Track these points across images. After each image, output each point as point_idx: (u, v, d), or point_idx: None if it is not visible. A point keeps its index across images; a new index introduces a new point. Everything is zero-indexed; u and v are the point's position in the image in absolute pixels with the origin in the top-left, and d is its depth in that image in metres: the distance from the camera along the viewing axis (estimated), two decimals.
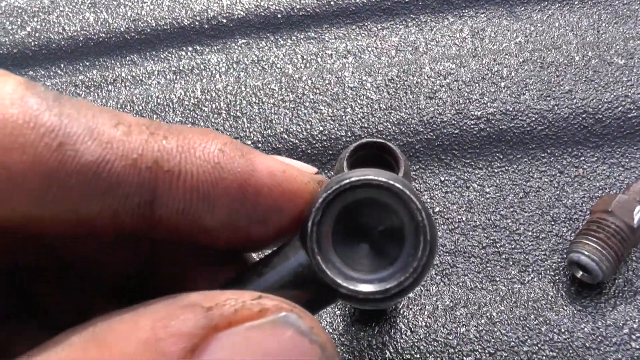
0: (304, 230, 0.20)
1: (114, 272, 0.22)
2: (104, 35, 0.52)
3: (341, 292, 0.19)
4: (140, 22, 0.52)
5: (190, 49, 0.50)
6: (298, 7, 0.50)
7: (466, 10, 0.48)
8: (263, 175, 0.20)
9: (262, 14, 0.50)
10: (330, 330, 0.34)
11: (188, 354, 0.15)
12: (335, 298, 0.19)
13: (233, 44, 0.50)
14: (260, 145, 0.42)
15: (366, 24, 0.48)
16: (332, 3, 0.50)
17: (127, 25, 0.52)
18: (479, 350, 0.33)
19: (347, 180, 0.19)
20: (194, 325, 0.15)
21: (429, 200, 0.39)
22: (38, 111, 0.17)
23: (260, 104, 0.43)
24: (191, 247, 0.21)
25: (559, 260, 0.37)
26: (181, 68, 0.49)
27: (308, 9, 0.50)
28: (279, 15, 0.50)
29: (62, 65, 0.51)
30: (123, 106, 0.46)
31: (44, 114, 0.17)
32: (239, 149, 0.19)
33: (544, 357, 0.33)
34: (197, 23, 0.51)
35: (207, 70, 0.48)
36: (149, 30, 0.52)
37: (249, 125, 0.43)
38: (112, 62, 0.51)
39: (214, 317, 0.16)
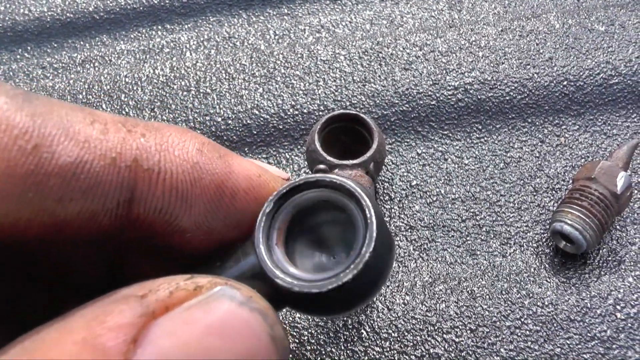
0: (255, 222, 0.19)
1: (82, 272, 0.21)
2: (71, 15, 0.50)
3: (278, 284, 0.18)
4: (109, 1, 0.50)
5: (160, 27, 0.48)
6: None
7: None
8: (240, 178, 0.20)
9: None
10: None
11: (129, 345, 0.14)
12: (278, 296, 0.18)
13: (204, 22, 0.48)
14: (230, 121, 0.40)
15: None
16: None
17: (95, 5, 0.50)
18: (460, 327, 0.32)
19: (303, 177, 0.20)
20: (131, 315, 0.15)
21: (406, 174, 0.37)
22: (9, 112, 0.15)
23: (231, 80, 0.42)
24: (159, 251, 0.20)
25: (542, 231, 0.36)
26: (151, 47, 0.47)
27: None
28: None
29: (28, 48, 0.49)
30: (91, 86, 0.44)
31: (15, 114, 0.16)
32: (217, 150, 0.19)
33: (528, 331, 0.32)
34: (167, 1, 0.49)
35: (177, 48, 0.46)
36: (118, 9, 0.50)
37: (218, 101, 0.41)
38: (81, 43, 0.49)
39: (149, 304, 0.15)
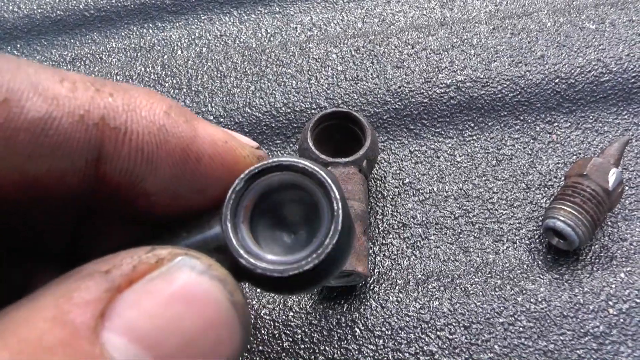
0: (223, 199, 0.20)
1: (48, 239, 0.21)
2: (62, 13, 0.50)
3: (241, 264, 0.19)
4: None
5: (151, 25, 0.48)
6: None
7: None
8: (205, 143, 0.20)
9: None
10: (298, 309, 0.33)
11: (97, 319, 0.15)
12: (240, 272, 0.19)
13: (196, 20, 0.48)
14: (222, 119, 0.40)
15: None
16: None
17: (86, 3, 0.50)
18: (453, 324, 0.32)
19: (276, 159, 0.20)
20: (97, 290, 0.15)
21: (398, 172, 0.37)
22: None
23: (222, 78, 0.41)
24: (126, 216, 0.21)
25: (534, 228, 0.36)
26: (142, 45, 0.47)
27: None
28: None
29: (18, 46, 0.48)
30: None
31: None
32: (184, 114, 0.19)
33: (521, 328, 0.32)
34: None
35: (169, 46, 0.46)
36: (108, 7, 0.49)
37: (210, 99, 0.40)
38: (72, 41, 0.48)
39: (114, 279, 0.16)
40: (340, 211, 0.19)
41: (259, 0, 0.48)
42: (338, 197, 0.19)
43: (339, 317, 0.32)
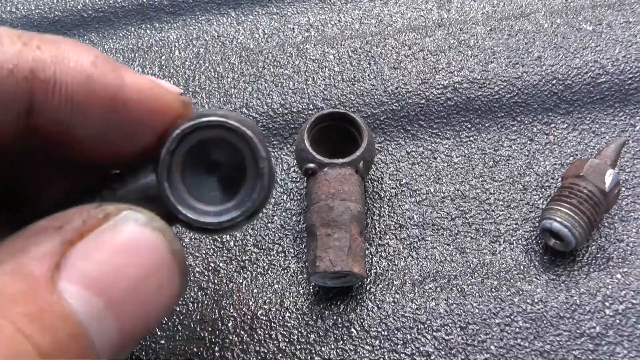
0: (157, 156, 0.21)
1: None
2: (59, 14, 0.50)
3: (180, 218, 0.21)
4: (97, 0, 0.50)
5: (149, 26, 0.48)
6: None
7: None
8: (132, 90, 0.20)
9: None
10: (294, 310, 0.33)
11: (53, 270, 0.16)
12: (176, 221, 0.21)
13: (193, 21, 0.48)
14: None
15: None
16: None
17: (84, 3, 0.50)
18: (450, 325, 0.32)
19: (206, 119, 0.21)
20: (51, 244, 0.17)
21: (395, 173, 0.37)
22: None
23: (220, 78, 0.41)
24: (60, 165, 0.22)
25: (531, 229, 0.36)
26: (140, 46, 0.47)
27: None
28: None
29: None
30: None
31: None
32: (110, 64, 0.20)
33: (517, 329, 0.32)
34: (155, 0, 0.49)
35: (167, 47, 0.46)
36: (106, 7, 0.49)
37: (207, 100, 0.41)
38: None
39: (67, 233, 0.17)
40: (266, 169, 0.22)
41: (256, 1, 0.48)
42: (264, 156, 0.22)
43: (335, 317, 0.32)
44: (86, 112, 0.20)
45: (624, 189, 0.38)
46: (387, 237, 0.35)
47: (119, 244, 0.18)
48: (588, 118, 0.40)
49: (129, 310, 0.18)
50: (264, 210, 0.36)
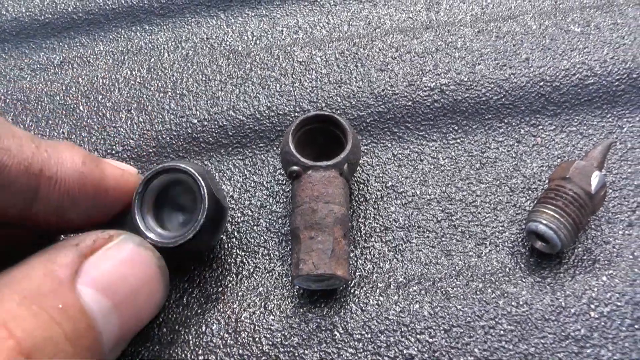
0: (133, 200, 0.30)
1: None
2: (50, 16, 0.50)
3: (147, 241, 0.28)
4: (88, 2, 0.50)
5: (139, 28, 0.48)
6: None
7: None
8: (110, 180, 0.28)
9: None
10: (278, 313, 0.33)
11: (74, 275, 0.22)
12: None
13: (183, 23, 0.48)
14: (206, 123, 0.40)
15: (318, 0, 0.47)
16: None
17: (74, 5, 0.50)
18: (433, 327, 0.32)
19: (161, 165, 0.30)
20: (71, 256, 0.23)
21: (381, 175, 0.37)
22: None
23: (207, 81, 0.41)
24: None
25: (517, 231, 0.36)
26: (129, 48, 0.47)
27: None
28: None
29: (6, 49, 0.49)
30: (68, 88, 0.43)
31: None
32: (94, 161, 0.27)
33: (502, 331, 0.32)
34: (146, 2, 0.49)
35: (156, 49, 0.46)
36: (97, 10, 0.49)
37: (195, 102, 0.40)
38: (60, 44, 0.48)
39: (82, 249, 0.24)
40: (206, 196, 0.29)
41: (246, 3, 0.48)
42: (205, 190, 0.29)
43: (319, 320, 0.32)
44: (77, 200, 0.26)
45: (610, 190, 0.38)
46: (373, 239, 0.35)
47: (122, 258, 0.24)
48: (575, 120, 0.40)
49: (129, 311, 0.24)
50: (249, 216, 0.36)
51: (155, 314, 0.27)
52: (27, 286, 0.21)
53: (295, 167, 0.33)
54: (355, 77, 0.40)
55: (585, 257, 0.35)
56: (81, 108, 0.42)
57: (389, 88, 0.39)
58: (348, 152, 0.33)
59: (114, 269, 0.24)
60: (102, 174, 0.27)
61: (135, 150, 0.39)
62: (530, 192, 0.37)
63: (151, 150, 0.39)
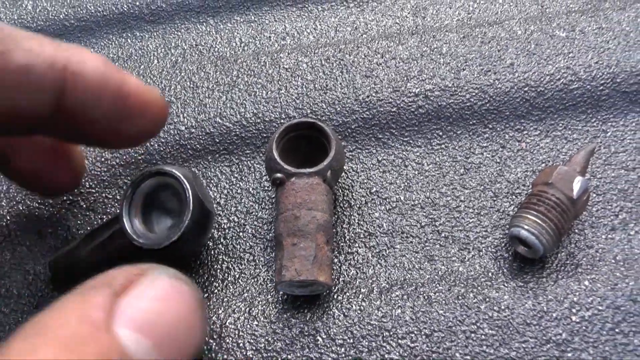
0: (121, 204, 0.31)
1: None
2: (42, 23, 0.50)
3: (135, 245, 0.30)
4: (80, 9, 0.50)
5: (130, 35, 0.49)
6: None
7: None
8: (132, 85, 0.28)
9: None
10: (262, 318, 0.33)
11: (108, 316, 0.21)
12: (136, 250, 0.31)
13: (173, 29, 0.48)
14: (194, 130, 0.40)
15: (307, 5, 0.47)
16: None
17: (66, 12, 0.50)
18: (415, 332, 0.32)
19: (148, 169, 0.32)
20: (104, 296, 0.22)
21: (366, 181, 0.38)
22: None
23: (195, 88, 0.42)
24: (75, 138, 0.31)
25: (501, 236, 0.36)
26: (120, 55, 0.47)
27: None
28: None
29: None
30: None
31: None
32: (114, 67, 0.28)
33: (483, 336, 0.32)
34: (136, 8, 0.50)
35: (146, 56, 0.47)
36: (88, 17, 0.50)
37: (182, 110, 0.41)
38: None
39: (115, 288, 0.22)
40: (190, 198, 0.30)
41: (235, 9, 0.48)
42: (190, 192, 0.30)
43: (302, 325, 0.33)
44: (100, 98, 0.27)
45: (594, 195, 0.38)
46: (357, 245, 0.36)
47: (157, 294, 0.23)
48: (560, 124, 0.40)
49: (169, 348, 0.23)
50: (234, 222, 0.37)
51: (199, 347, 0.25)
52: (63, 333, 0.20)
53: (278, 175, 0.33)
54: (340, 84, 0.40)
55: (568, 262, 0.36)
56: None
57: (373, 94, 0.40)
58: (331, 159, 0.34)
59: (150, 306, 0.23)
60: (122, 78, 0.28)
61: (124, 157, 0.40)
62: (514, 197, 0.38)
63: (140, 158, 0.40)
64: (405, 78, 0.40)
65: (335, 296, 0.34)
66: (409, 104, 0.40)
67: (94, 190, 0.39)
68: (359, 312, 0.33)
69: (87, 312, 0.21)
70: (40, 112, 0.25)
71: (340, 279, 0.35)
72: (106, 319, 0.21)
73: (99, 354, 0.20)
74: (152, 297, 0.23)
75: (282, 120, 0.40)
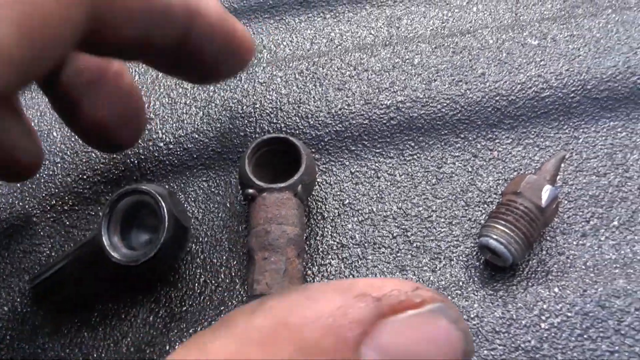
0: (101, 221, 0.33)
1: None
2: None
3: (112, 260, 0.32)
4: None
5: None
6: None
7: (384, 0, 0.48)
8: (240, 30, 0.32)
9: None
10: None
11: (361, 336, 0.18)
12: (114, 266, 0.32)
13: None
14: (172, 146, 0.41)
15: (284, 17, 0.48)
16: None
17: None
18: None
19: (124, 188, 0.33)
20: (367, 313, 0.19)
21: (339, 193, 0.38)
22: None
23: (173, 104, 0.43)
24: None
25: (472, 245, 0.37)
26: None
27: (226, 5, 0.49)
28: None
29: None
30: (43, 114, 0.45)
31: None
32: (229, 13, 0.31)
33: None
34: None
35: (128, 71, 0.47)
36: None
37: (161, 126, 0.42)
38: None
39: (382, 307, 0.19)
40: (166, 216, 0.32)
41: None
42: (165, 210, 0.32)
43: None
44: (216, 37, 0.30)
45: (566, 201, 0.38)
46: (329, 257, 0.36)
47: (426, 334, 0.20)
48: (532, 132, 0.41)
49: None
50: (212, 238, 0.38)
51: None
52: (307, 338, 0.18)
53: (250, 190, 0.34)
54: (313, 97, 0.41)
55: (539, 269, 0.36)
56: (54, 134, 0.43)
57: (346, 107, 0.41)
58: (301, 173, 0.35)
59: (412, 342, 0.19)
60: (234, 24, 0.31)
61: (105, 174, 0.41)
62: (485, 205, 0.38)
63: (120, 175, 0.41)
64: (377, 90, 0.41)
65: None
66: (381, 116, 0.40)
67: (77, 208, 0.40)
68: None
69: (342, 324, 0.18)
70: (168, 43, 0.28)
71: None
72: (358, 337, 0.18)
73: None
74: (419, 334, 0.19)
75: (256, 135, 0.40)
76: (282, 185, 0.34)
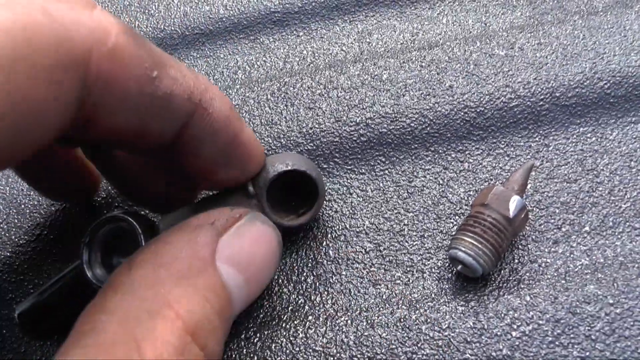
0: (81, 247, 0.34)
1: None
2: None
3: (94, 287, 0.32)
4: None
5: None
6: (192, 26, 0.50)
7: (356, 15, 0.48)
8: (246, 136, 0.31)
9: (159, 35, 0.51)
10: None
11: (213, 252, 0.25)
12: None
13: None
14: None
15: (259, 37, 0.49)
16: (224, 19, 0.50)
17: None
18: (358, 356, 0.34)
19: (105, 216, 0.34)
20: (210, 235, 0.26)
21: None
22: (136, 51, 0.23)
23: None
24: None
25: (444, 257, 0.38)
26: None
27: (202, 27, 0.50)
28: (175, 36, 0.51)
29: None
30: None
31: (139, 52, 0.24)
32: (236, 112, 0.30)
33: (424, 356, 0.34)
34: None
35: None
36: None
37: None
38: None
39: (217, 228, 0.26)
40: (141, 238, 0.32)
41: (191, 45, 0.50)
42: (142, 237, 0.32)
43: (252, 355, 0.34)
44: (217, 138, 0.28)
45: (537, 209, 0.39)
46: (304, 274, 0.37)
47: (251, 236, 0.27)
48: (502, 142, 0.41)
49: (255, 284, 0.27)
50: None
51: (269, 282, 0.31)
52: (179, 267, 0.24)
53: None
54: (285, 117, 0.42)
55: (511, 278, 0.37)
56: None
57: (316, 125, 0.41)
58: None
59: (245, 247, 0.27)
60: (241, 126, 0.30)
61: (89, 203, 0.42)
62: (457, 217, 0.39)
63: (103, 202, 0.42)
64: (346, 107, 0.42)
65: (283, 325, 0.36)
66: (351, 133, 0.41)
67: (63, 237, 0.41)
68: (305, 339, 0.35)
69: (197, 248, 0.25)
70: (164, 138, 0.26)
71: (289, 308, 0.36)
72: (212, 256, 0.25)
73: (207, 285, 0.24)
74: (247, 238, 0.27)
75: None
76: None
